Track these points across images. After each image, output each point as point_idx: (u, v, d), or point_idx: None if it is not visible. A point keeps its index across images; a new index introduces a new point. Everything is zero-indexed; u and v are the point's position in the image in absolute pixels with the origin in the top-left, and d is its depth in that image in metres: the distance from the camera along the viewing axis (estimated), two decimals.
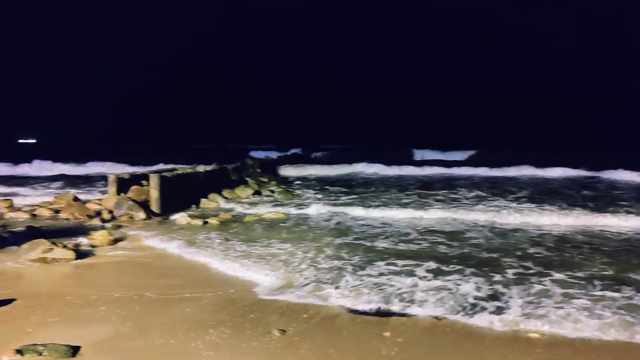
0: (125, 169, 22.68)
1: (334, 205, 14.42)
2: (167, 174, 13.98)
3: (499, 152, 29.83)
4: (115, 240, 10.00)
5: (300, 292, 6.93)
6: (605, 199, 15.31)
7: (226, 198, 15.75)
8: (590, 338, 5.37)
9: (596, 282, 7.23)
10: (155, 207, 13.17)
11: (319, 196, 16.55)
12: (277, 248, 9.48)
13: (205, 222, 11.95)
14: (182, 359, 4.97)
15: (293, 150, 32.37)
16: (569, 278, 7.43)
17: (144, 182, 13.61)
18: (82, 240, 9.87)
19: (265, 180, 19.22)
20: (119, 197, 13.02)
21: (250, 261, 8.55)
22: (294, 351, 5.16)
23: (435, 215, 12.47)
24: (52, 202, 14.05)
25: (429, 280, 7.39)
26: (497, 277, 7.53)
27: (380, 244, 9.88)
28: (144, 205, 12.96)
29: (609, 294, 6.70)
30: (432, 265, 8.15)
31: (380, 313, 6.19)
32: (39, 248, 8.39)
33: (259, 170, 21.59)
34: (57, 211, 13.14)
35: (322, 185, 19.98)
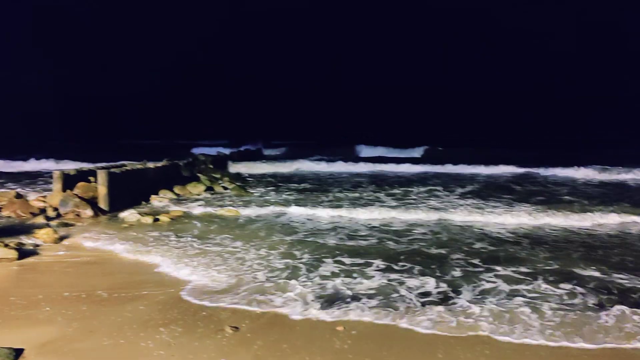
0: (69, 166, 21.86)
1: (286, 202, 14.42)
2: (116, 170, 13.62)
3: (455, 150, 30.47)
4: (61, 239, 9.69)
5: (252, 289, 6.92)
6: (545, 194, 15.90)
7: (177, 195, 15.49)
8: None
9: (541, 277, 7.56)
10: (103, 204, 12.81)
11: (272, 193, 16.50)
12: (229, 246, 9.41)
13: (156, 220, 11.72)
14: (131, 359, 4.89)
15: (245, 147, 31.98)
16: (514, 274, 7.69)
17: (92, 179, 13.21)
18: (26, 239, 9.50)
19: (218, 176, 18.99)
20: (64, 194, 12.59)
21: (202, 259, 8.47)
22: (247, 348, 5.16)
23: (385, 214, 12.45)
24: None
25: (377, 276, 7.54)
26: (444, 274, 7.75)
27: (331, 240, 9.94)
28: (92, 202, 12.59)
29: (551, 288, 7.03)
30: (380, 262, 8.27)
31: (333, 308, 6.24)
32: None
33: (211, 167, 21.31)
34: None
35: (275, 181, 19.94)
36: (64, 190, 12.78)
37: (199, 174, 18.34)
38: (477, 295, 6.73)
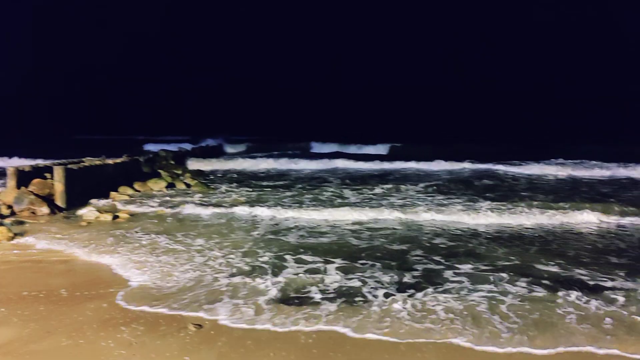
0: (20, 163, 21.10)
1: (249, 199, 14.35)
2: (73, 166, 13.26)
3: (419, 147, 30.62)
4: (15, 237, 9.38)
5: (213, 288, 6.86)
6: (504, 189, 16.17)
7: (138, 191, 15.19)
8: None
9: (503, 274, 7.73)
10: (60, 201, 12.46)
11: (235, 190, 16.36)
12: (189, 244, 9.28)
13: (115, 217, 11.48)
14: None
15: (205, 143, 31.41)
16: (474, 271, 7.77)
17: (48, 175, 12.82)
18: None
19: (179, 172, 18.71)
20: (19, 191, 12.18)
21: (162, 256, 8.35)
22: (210, 345, 5.14)
23: (347, 213, 12.06)
24: None
25: (339, 274, 7.58)
26: (404, 270, 7.84)
27: (292, 239, 9.87)
28: (48, 199, 12.22)
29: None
30: (341, 261, 8.20)
31: (298, 304, 6.26)
32: None
33: (172, 162, 20.97)
34: None
35: (237, 178, 19.78)
36: (18, 187, 12.36)
37: (160, 170, 18.04)
38: (436, 293, 6.67)
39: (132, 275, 7.41)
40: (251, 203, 13.46)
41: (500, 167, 21.86)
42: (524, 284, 7.03)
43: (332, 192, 15.65)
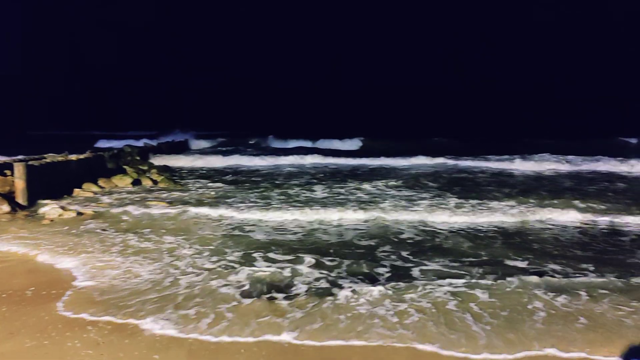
0: None
1: (217, 196, 14.25)
2: (35, 163, 12.92)
3: (392, 142, 30.79)
4: None
5: (177, 289, 6.76)
6: (471, 184, 16.38)
7: (102, 188, 14.91)
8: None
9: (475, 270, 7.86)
10: (21, 199, 12.13)
11: (203, 187, 16.22)
12: (154, 242, 9.17)
13: (79, 214, 11.26)
14: None
15: (171, 138, 30.82)
16: (441, 267, 7.88)
17: (8, 172, 12.46)
18: None
19: (145, 168, 18.41)
20: None
21: (127, 256, 8.26)
22: (180, 343, 5.12)
23: (313, 213, 11.75)
24: None
25: (304, 275, 7.58)
26: (372, 269, 7.93)
27: (260, 236, 9.81)
28: (9, 197, 11.88)
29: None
30: (309, 259, 8.15)
31: (260, 308, 6.19)
32: None
33: (137, 158, 20.63)
34: None
35: (204, 174, 19.61)
36: None
37: (125, 166, 17.72)
38: (405, 293, 6.59)
39: (92, 275, 7.23)
40: (218, 200, 13.38)
41: (475, 163, 22.05)
42: (491, 281, 7.02)
43: (300, 188, 15.62)
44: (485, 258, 8.34)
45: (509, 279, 7.05)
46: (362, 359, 4.90)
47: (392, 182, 16.59)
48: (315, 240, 9.48)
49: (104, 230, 10.00)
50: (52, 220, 10.74)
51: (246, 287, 6.77)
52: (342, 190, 15.13)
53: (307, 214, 11.61)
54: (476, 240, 9.55)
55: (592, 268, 7.73)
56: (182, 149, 28.56)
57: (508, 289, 6.67)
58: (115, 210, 11.77)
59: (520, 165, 21.48)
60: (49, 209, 11.43)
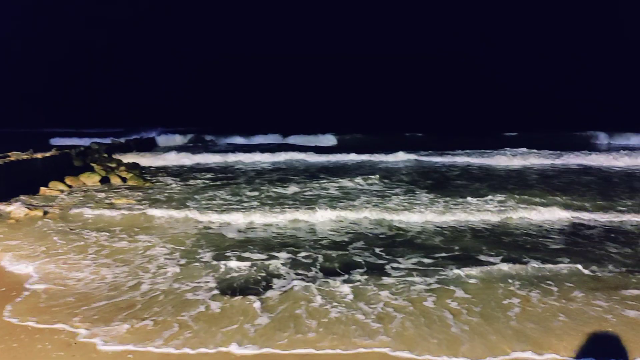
0: None
1: (187, 194, 14.17)
2: None
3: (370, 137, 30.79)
4: None
5: (141, 293, 6.65)
6: (441, 179, 16.49)
7: (70, 186, 14.68)
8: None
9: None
10: None
11: (173, 185, 16.07)
12: (127, 242, 9.15)
13: (46, 213, 11.09)
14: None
15: (138, 135, 30.18)
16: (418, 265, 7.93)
17: None
18: None
19: (114, 165, 18.18)
20: None
21: (95, 257, 8.22)
22: (158, 333, 5.16)
23: (278, 214, 11.49)
24: None
25: (280, 270, 7.71)
26: (345, 269, 8.01)
27: (231, 235, 9.81)
28: None
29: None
30: (281, 258, 8.23)
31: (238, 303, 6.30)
32: None
33: (105, 156, 20.36)
34: None
35: (175, 172, 19.42)
36: None
37: (92, 164, 17.47)
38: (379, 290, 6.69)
39: (53, 278, 7.12)
40: (189, 198, 13.32)
41: (457, 159, 22.11)
42: (463, 276, 7.15)
43: (271, 185, 15.45)
44: (457, 253, 8.46)
45: (484, 271, 7.27)
46: None
47: (368, 178, 16.39)
48: (287, 240, 9.42)
49: (71, 229, 9.89)
50: (17, 220, 10.56)
51: (215, 291, 6.64)
52: (315, 187, 15.01)
53: (280, 213, 11.44)
54: (449, 236, 9.62)
55: (567, 260, 7.94)
56: (149, 146, 28.18)
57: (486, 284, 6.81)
58: (82, 209, 11.57)
59: (498, 161, 21.63)
60: (14, 208, 11.22)
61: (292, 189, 14.89)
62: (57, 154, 16.13)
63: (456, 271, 7.36)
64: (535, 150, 23.00)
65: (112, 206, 12.09)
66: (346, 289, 6.69)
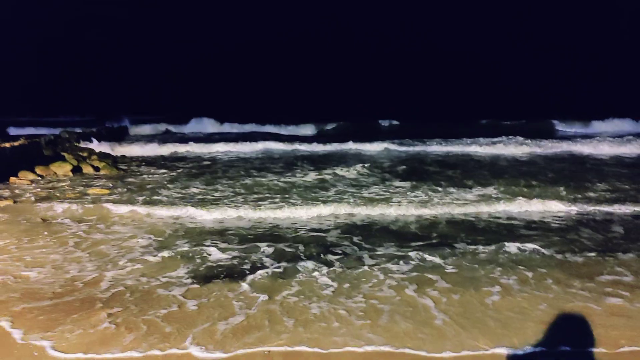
0: None
1: (161, 184, 13.93)
2: None
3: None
4: None
5: (109, 289, 6.46)
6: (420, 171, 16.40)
7: (40, 176, 14.29)
8: None
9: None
10: None
11: (146, 174, 15.77)
12: (99, 233, 8.95)
13: (15, 202, 10.77)
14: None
15: (108, 124, 29.33)
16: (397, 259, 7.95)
17: None
18: None
19: (85, 155, 17.74)
20: None
21: (64, 249, 8.01)
22: (136, 325, 5.04)
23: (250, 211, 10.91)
24: None
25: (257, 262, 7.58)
26: (323, 264, 7.94)
27: (208, 226, 9.70)
28: None
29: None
30: (260, 250, 8.25)
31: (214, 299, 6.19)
32: None
33: (76, 144, 19.88)
34: None
35: (148, 161, 19.08)
36: None
37: (63, 153, 17.03)
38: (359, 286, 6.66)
39: (11, 271, 6.96)
40: (162, 188, 13.08)
41: (433, 148, 22.13)
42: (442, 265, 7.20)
43: (248, 176, 15.22)
44: (434, 241, 8.48)
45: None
46: None
47: (346, 168, 16.20)
48: (265, 233, 9.17)
49: (42, 220, 9.62)
50: None
51: (189, 285, 6.44)
52: (295, 178, 14.68)
53: (257, 207, 11.12)
54: (426, 225, 9.60)
55: (541, 246, 7.99)
56: (121, 135, 27.58)
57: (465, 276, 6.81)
58: (53, 200, 11.26)
59: (478, 149, 21.63)
60: None
61: (269, 178, 14.69)
62: (26, 143, 15.68)
63: (435, 258, 7.43)
64: (521, 138, 22.93)
65: (84, 196, 11.80)
66: (326, 280, 6.63)
